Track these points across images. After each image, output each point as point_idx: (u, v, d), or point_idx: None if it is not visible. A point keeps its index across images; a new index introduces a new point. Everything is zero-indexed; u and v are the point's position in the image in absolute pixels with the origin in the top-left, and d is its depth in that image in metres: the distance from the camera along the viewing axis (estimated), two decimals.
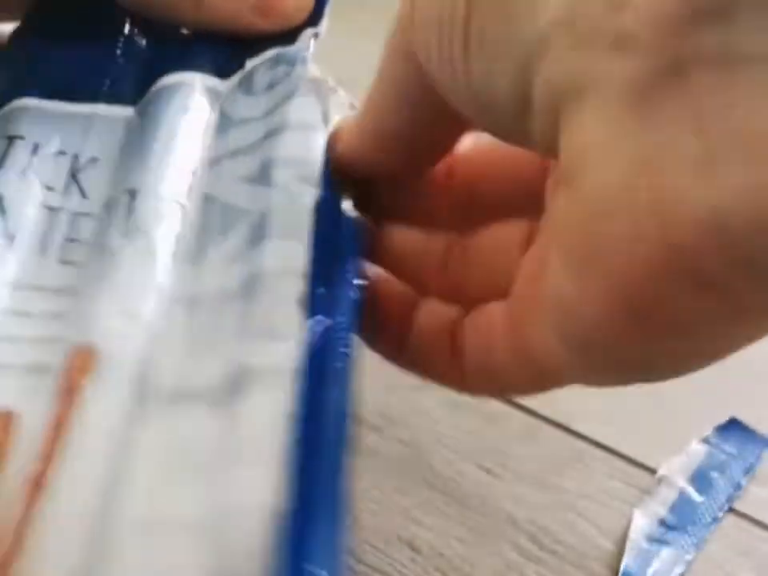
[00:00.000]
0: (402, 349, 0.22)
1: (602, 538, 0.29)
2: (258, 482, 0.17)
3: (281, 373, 0.18)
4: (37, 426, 0.19)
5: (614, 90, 0.14)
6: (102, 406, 0.19)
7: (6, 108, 0.25)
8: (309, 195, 0.22)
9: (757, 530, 0.29)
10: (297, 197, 0.22)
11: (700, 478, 0.30)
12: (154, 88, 0.26)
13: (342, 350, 0.19)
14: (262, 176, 0.23)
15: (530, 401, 0.33)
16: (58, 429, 0.18)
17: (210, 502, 0.17)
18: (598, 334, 0.16)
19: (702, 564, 0.28)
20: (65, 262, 0.22)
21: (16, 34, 0.27)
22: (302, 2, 0.26)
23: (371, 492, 0.30)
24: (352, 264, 0.21)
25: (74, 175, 0.24)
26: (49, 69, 0.26)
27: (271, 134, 0.24)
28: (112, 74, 0.26)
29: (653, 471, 0.31)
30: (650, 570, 0.28)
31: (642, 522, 0.29)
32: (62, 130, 0.25)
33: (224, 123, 0.25)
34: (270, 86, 0.25)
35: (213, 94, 0.26)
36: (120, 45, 0.27)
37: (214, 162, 0.24)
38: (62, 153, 0.24)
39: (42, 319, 0.21)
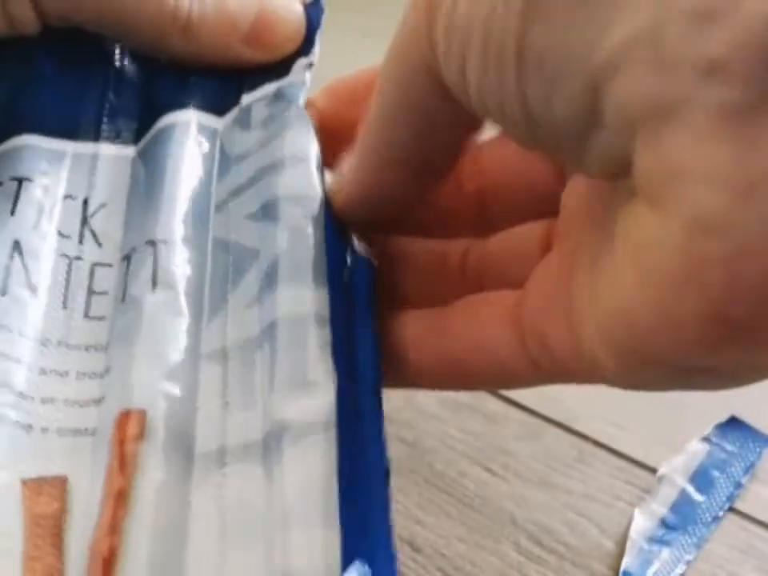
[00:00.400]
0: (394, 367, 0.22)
1: (603, 537, 0.29)
2: (312, 544, 0.17)
3: (319, 427, 0.19)
4: (89, 493, 0.19)
5: (706, 115, 0.13)
6: (157, 474, 0.19)
7: (7, 145, 0.25)
8: (318, 236, 0.22)
9: (758, 530, 0.29)
10: (306, 238, 0.22)
11: (700, 477, 0.30)
12: (153, 130, 0.25)
13: (371, 395, 0.19)
14: (267, 213, 0.23)
15: (531, 401, 0.33)
16: (119, 501, 0.18)
17: (268, 568, 0.17)
18: (671, 347, 0.16)
19: (702, 563, 0.28)
20: (90, 317, 0.22)
21: (11, 69, 0.26)
22: (292, 32, 0.25)
23: None
24: (368, 304, 0.21)
25: (86, 221, 0.24)
26: (47, 105, 0.25)
27: (269, 168, 0.23)
28: (110, 110, 0.26)
29: (653, 470, 0.31)
30: (651, 571, 0.28)
31: (642, 522, 0.29)
32: (68, 172, 0.25)
33: (224, 162, 0.25)
34: (266, 122, 0.25)
35: (211, 133, 0.25)
36: (115, 81, 0.26)
37: (221, 204, 0.24)
38: (70, 197, 0.24)
39: (78, 379, 0.21)
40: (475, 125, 0.20)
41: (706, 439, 0.31)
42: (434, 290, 0.23)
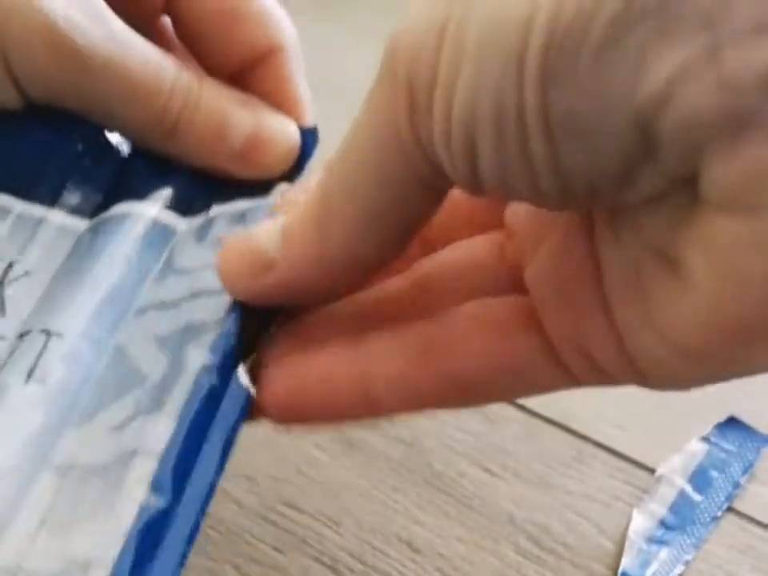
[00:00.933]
0: None
1: (602, 537, 0.29)
2: None
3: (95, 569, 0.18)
4: None
5: None
6: None
7: None
8: (199, 365, 0.21)
9: (756, 529, 0.29)
10: (189, 367, 0.21)
11: (699, 477, 0.30)
12: (111, 210, 0.24)
13: (177, 542, 0.19)
14: (174, 340, 0.22)
15: (530, 401, 0.33)
16: None
17: None
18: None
19: (701, 563, 0.28)
20: None
21: None
22: (284, 155, 0.24)
23: (371, 492, 0.30)
24: (218, 444, 0.20)
25: (0, 286, 0.23)
26: (12, 159, 0.24)
27: (199, 294, 0.22)
28: (79, 177, 0.25)
29: (652, 471, 0.31)
30: (650, 571, 0.28)
31: (641, 522, 0.29)
32: (7, 231, 0.24)
33: (167, 268, 0.23)
34: (221, 242, 0.24)
35: (167, 233, 0.24)
36: (96, 148, 0.25)
37: (142, 310, 0.23)
38: None
39: None
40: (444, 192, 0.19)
41: (704, 439, 0.31)
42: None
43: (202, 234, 0.24)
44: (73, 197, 0.24)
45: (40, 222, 0.24)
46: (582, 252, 0.19)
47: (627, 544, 0.28)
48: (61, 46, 0.20)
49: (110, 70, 0.21)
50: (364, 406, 0.21)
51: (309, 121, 0.25)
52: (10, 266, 0.23)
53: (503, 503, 0.30)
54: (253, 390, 0.21)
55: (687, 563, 0.28)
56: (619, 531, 0.29)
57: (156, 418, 0.20)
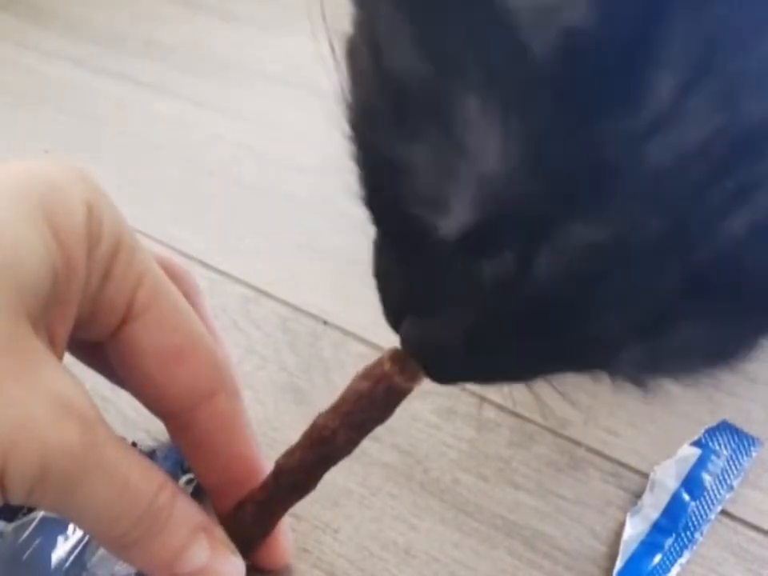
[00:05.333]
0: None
1: (596, 541, 0.29)
2: None
3: None
4: None
5: None
6: None
7: None
8: None
9: (749, 532, 0.30)
10: None
11: (692, 481, 0.31)
12: (36, 514, 0.27)
13: None
14: None
15: (524, 407, 0.33)
16: None
17: None
18: None
19: (694, 566, 0.29)
20: None
21: None
22: None
23: (368, 498, 0.31)
24: None
25: None
26: None
27: None
28: None
29: (645, 475, 0.31)
30: (644, 574, 0.28)
31: (635, 526, 0.29)
32: None
33: (75, 568, 0.27)
34: None
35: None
36: None
37: None
38: None
39: None
40: None
41: (697, 443, 0.32)
42: None
43: None
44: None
45: None
46: None
47: (621, 548, 0.29)
48: (51, 473, 0.20)
49: (89, 495, 0.21)
50: None
51: None
52: None
53: (498, 509, 0.30)
54: None
55: (681, 566, 0.28)
56: (613, 535, 0.29)
57: None
